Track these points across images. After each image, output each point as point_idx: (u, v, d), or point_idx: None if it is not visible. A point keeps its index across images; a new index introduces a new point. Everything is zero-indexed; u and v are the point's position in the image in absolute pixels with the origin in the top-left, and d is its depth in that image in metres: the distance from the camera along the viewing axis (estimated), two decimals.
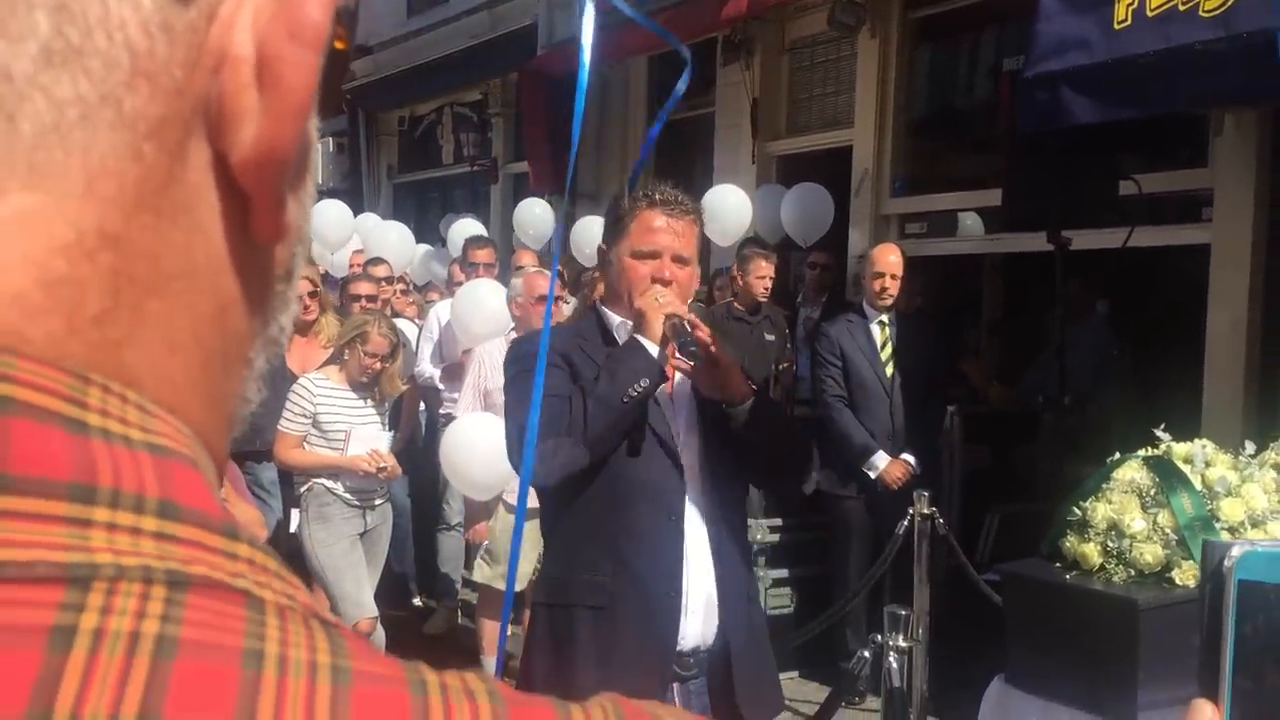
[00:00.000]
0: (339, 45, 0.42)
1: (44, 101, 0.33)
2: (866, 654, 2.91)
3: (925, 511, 4.19)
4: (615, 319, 2.66)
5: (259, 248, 0.40)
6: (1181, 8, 3.78)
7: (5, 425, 0.32)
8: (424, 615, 6.50)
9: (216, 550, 0.34)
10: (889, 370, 5.45)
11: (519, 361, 2.57)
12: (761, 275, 6.32)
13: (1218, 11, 3.67)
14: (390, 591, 5.73)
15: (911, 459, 5.33)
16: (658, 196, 2.66)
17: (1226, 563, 0.64)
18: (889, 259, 5.48)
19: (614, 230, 2.66)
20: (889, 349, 5.49)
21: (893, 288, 5.44)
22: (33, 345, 0.33)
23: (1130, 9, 3.94)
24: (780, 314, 6.77)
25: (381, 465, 4.68)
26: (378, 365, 4.77)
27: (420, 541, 6.59)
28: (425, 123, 13.90)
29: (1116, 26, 3.98)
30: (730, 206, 7.54)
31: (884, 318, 5.51)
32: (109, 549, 0.32)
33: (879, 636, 2.86)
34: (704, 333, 2.46)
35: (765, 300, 6.39)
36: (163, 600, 0.32)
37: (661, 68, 9.89)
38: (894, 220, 7.47)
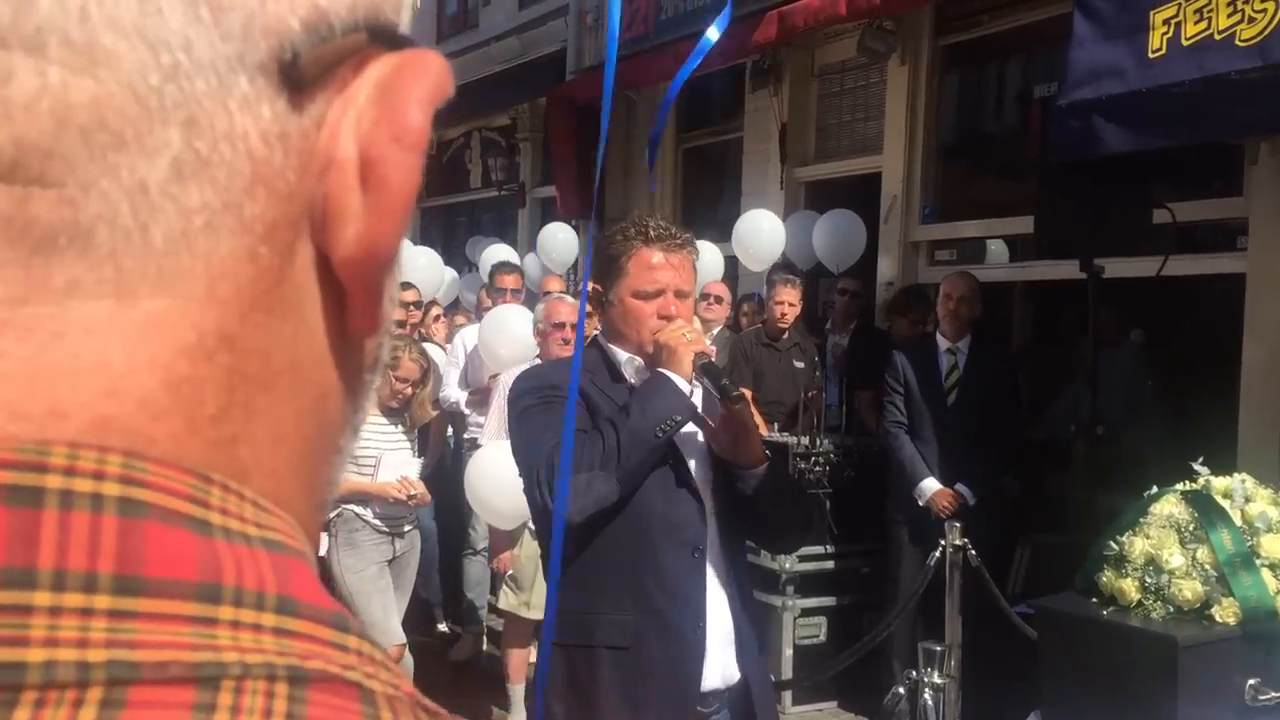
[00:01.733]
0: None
1: (174, 211, 0.35)
2: (902, 690, 2.87)
3: (957, 543, 4.14)
4: (622, 355, 2.62)
5: (353, 341, 0.42)
6: (1217, 37, 3.76)
7: (140, 529, 0.33)
8: (450, 642, 6.48)
9: (330, 643, 0.35)
10: (950, 399, 5.47)
11: (524, 397, 2.55)
12: (780, 301, 6.32)
13: (1255, 40, 3.64)
14: (416, 618, 5.71)
15: (965, 489, 5.33)
16: (652, 232, 2.59)
17: None
18: (962, 287, 5.61)
19: (610, 270, 2.59)
20: (954, 378, 5.52)
21: (962, 311, 5.56)
22: (157, 445, 0.35)
23: (1165, 38, 3.91)
24: (810, 341, 6.75)
25: (411, 493, 4.68)
26: (408, 391, 4.77)
27: (446, 567, 6.58)
28: (454, 147, 13.99)
29: (1151, 55, 3.96)
30: (763, 232, 7.53)
31: (955, 346, 5.55)
32: (234, 647, 0.33)
33: (914, 673, 2.83)
34: (746, 391, 2.52)
35: (786, 326, 6.37)
36: (286, 697, 0.33)
37: (691, 92, 9.91)
38: (923, 247, 7.44)
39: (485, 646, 6.36)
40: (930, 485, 5.32)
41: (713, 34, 2.98)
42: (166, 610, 0.32)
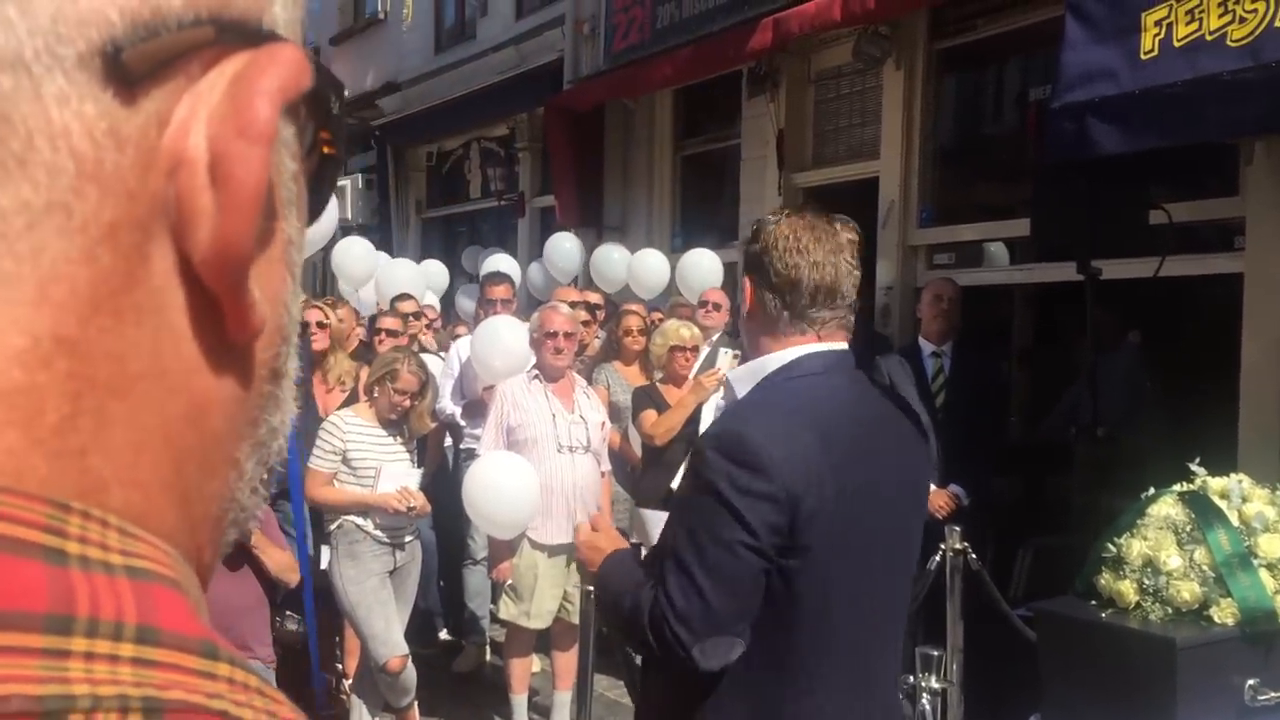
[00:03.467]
0: (328, 150, 0.43)
1: None
2: (900, 695, 2.86)
3: (957, 546, 4.14)
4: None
5: (236, 347, 0.40)
6: (1209, 37, 3.76)
7: None
8: (453, 652, 6.48)
9: (194, 671, 0.34)
10: (939, 402, 5.48)
11: (724, 481, 1.85)
12: None
13: (1246, 40, 3.65)
14: (418, 629, 5.71)
15: (960, 490, 5.34)
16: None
17: None
18: (947, 290, 5.68)
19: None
20: (940, 380, 5.53)
21: (953, 314, 5.64)
22: None
23: (1157, 39, 3.92)
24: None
25: (410, 504, 4.68)
26: (407, 403, 4.77)
27: (446, 577, 6.57)
28: (453, 158, 14.02)
29: (1143, 57, 3.96)
30: None
31: (939, 349, 5.57)
32: (86, 679, 0.32)
33: (911, 678, 2.82)
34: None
35: None
36: None
37: (687, 101, 9.93)
38: (922, 251, 7.45)
39: (489, 657, 6.36)
40: None
41: None
42: (10, 643, 0.31)
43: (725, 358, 5.43)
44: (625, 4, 9.75)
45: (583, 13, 10.42)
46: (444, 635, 6.68)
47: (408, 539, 4.85)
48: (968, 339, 5.82)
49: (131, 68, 0.36)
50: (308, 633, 4.92)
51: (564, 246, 9.46)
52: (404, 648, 4.71)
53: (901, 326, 7.18)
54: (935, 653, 2.82)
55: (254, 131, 0.37)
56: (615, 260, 8.56)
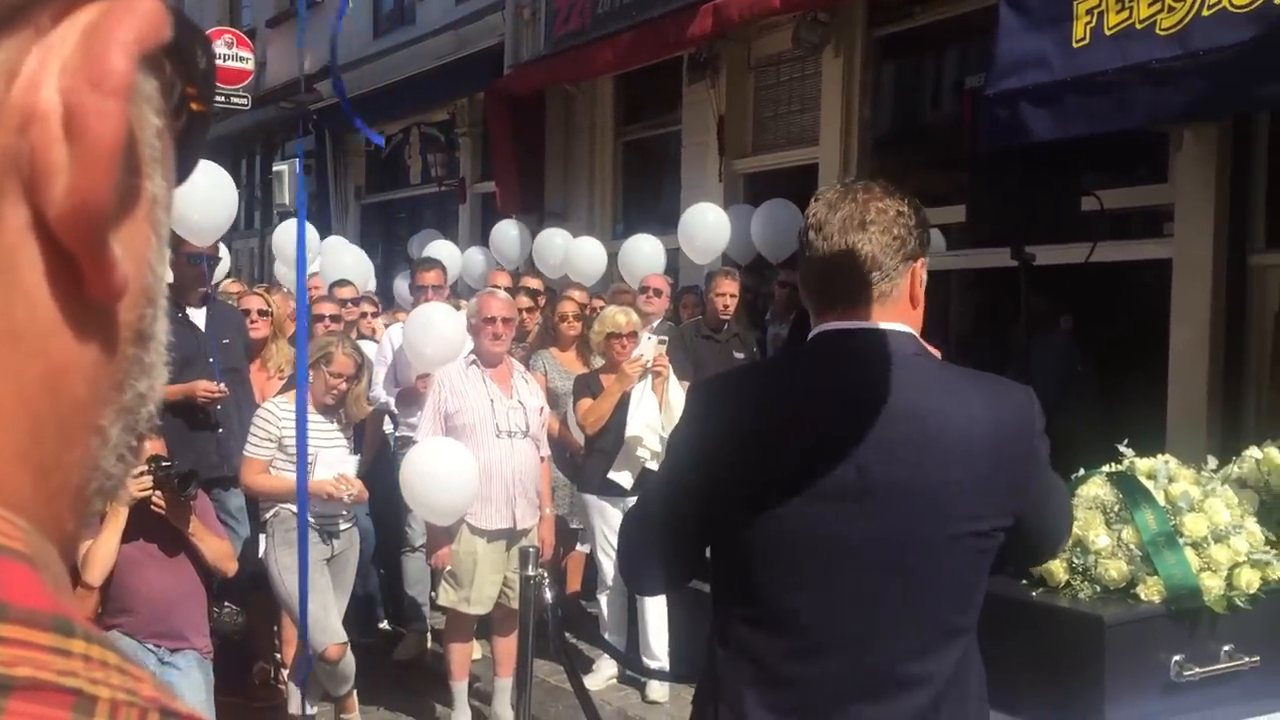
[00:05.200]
0: (196, 107, 0.41)
1: None
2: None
3: None
4: None
5: (97, 309, 0.39)
6: (1139, 26, 3.83)
7: None
8: (393, 641, 6.44)
9: (46, 648, 0.33)
10: None
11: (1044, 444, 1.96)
12: (722, 293, 6.35)
13: (1175, 29, 3.72)
14: (357, 617, 5.66)
15: None
16: None
17: None
18: None
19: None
20: None
21: None
22: None
23: (1089, 27, 3.98)
24: (749, 332, 6.78)
25: (349, 491, 4.64)
26: (343, 385, 4.73)
27: (385, 565, 6.53)
28: (392, 143, 13.88)
29: (1075, 44, 4.03)
30: (708, 225, 7.56)
31: None
32: None
33: None
34: None
35: (728, 318, 6.40)
36: None
37: (628, 87, 9.92)
38: None
39: (430, 644, 6.33)
40: None
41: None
42: None
43: (649, 345, 5.37)
44: None
45: None
46: (384, 624, 6.64)
47: (344, 526, 4.80)
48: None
49: None
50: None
51: (509, 233, 9.42)
52: (342, 635, 4.67)
53: None
54: None
55: (110, 83, 0.36)
56: (558, 246, 8.54)
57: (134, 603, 4.04)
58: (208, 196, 5.39)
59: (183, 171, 0.42)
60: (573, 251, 8.22)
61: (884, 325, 1.92)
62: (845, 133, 7.44)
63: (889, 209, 1.92)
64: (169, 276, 0.43)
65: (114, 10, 0.37)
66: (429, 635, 6.33)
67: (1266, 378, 5.08)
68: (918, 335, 1.95)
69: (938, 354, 2.13)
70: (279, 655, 5.51)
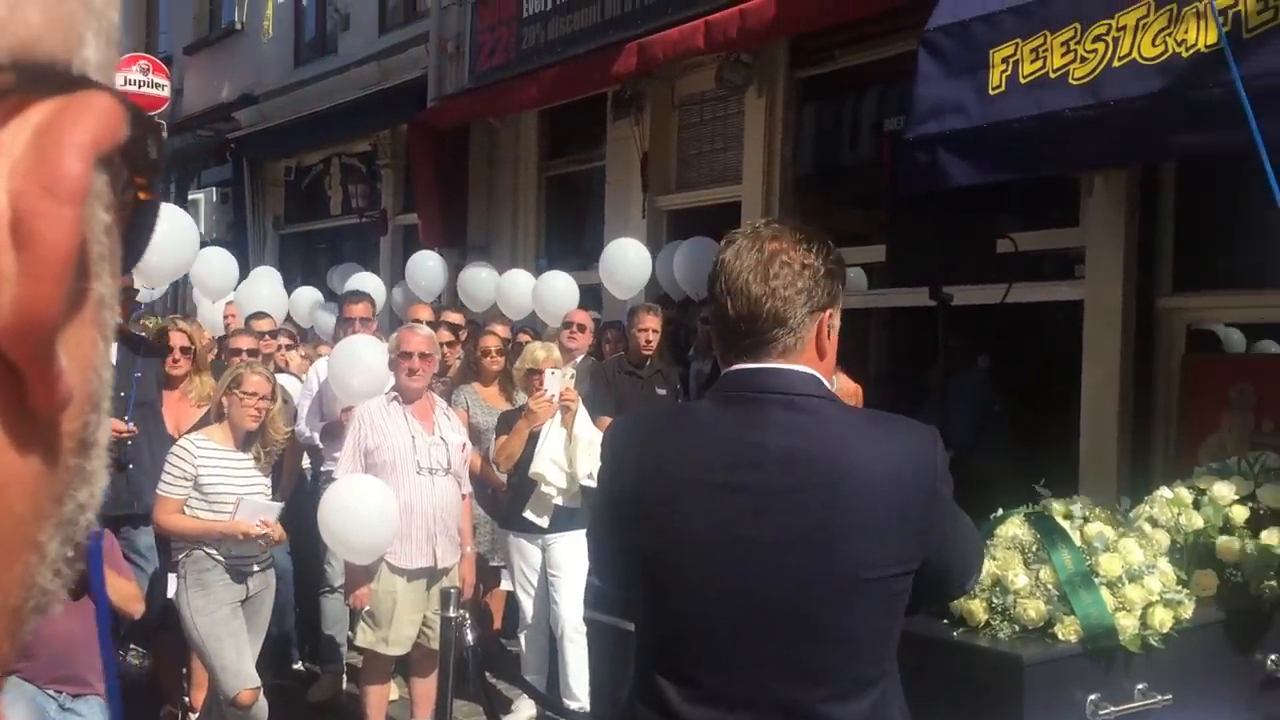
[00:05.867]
0: (144, 196, 0.40)
1: None
2: None
3: None
4: None
5: (40, 420, 0.36)
6: (1052, 75, 3.93)
7: None
8: (308, 682, 6.29)
9: None
10: None
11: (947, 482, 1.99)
12: (644, 328, 6.36)
13: (1087, 80, 3.82)
14: (271, 658, 5.53)
15: None
16: None
17: None
18: None
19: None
20: None
21: None
22: None
23: (1004, 75, 4.08)
24: (672, 368, 6.80)
25: (265, 531, 4.53)
26: (260, 404, 4.60)
27: (302, 604, 6.39)
28: (312, 173, 13.73)
29: (991, 92, 4.12)
30: (629, 260, 7.59)
31: None
32: None
33: None
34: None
35: (650, 353, 6.42)
36: None
37: (553, 122, 9.94)
38: None
39: (345, 685, 6.19)
40: None
41: None
42: None
43: (555, 380, 5.29)
44: (490, 24, 9.72)
45: (447, 31, 10.34)
46: (298, 665, 6.49)
47: (256, 568, 4.68)
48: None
49: None
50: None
51: (427, 265, 9.35)
52: (255, 680, 4.55)
53: None
54: None
55: (64, 189, 0.34)
56: (483, 280, 8.50)
57: (33, 646, 3.89)
58: (166, 240, 5.29)
59: (129, 262, 0.40)
60: (504, 285, 8.19)
61: (789, 367, 1.91)
62: (767, 171, 7.52)
63: (795, 261, 1.90)
64: (111, 378, 0.41)
65: (68, 109, 0.35)
66: (344, 676, 6.21)
67: (1174, 418, 5.23)
68: (824, 380, 1.95)
69: (857, 388, 2.16)
70: (187, 699, 5.35)
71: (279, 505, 4.75)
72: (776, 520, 1.85)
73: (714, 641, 1.90)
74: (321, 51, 13.28)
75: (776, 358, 1.91)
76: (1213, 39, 3.50)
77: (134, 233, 0.39)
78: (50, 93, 0.35)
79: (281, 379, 6.05)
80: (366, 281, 8.98)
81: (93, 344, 0.38)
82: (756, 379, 1.92)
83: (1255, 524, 3.19)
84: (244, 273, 9.14)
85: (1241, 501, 3.24)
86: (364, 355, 5.58)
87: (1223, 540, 3.13)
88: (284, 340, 7.24)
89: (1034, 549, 2.92)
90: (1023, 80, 4.03)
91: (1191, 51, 3.53)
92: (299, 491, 6.04)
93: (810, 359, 1.93)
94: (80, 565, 0.40)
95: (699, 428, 1.98)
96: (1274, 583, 3.10)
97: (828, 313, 1.95)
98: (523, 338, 6.71)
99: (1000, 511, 3.11)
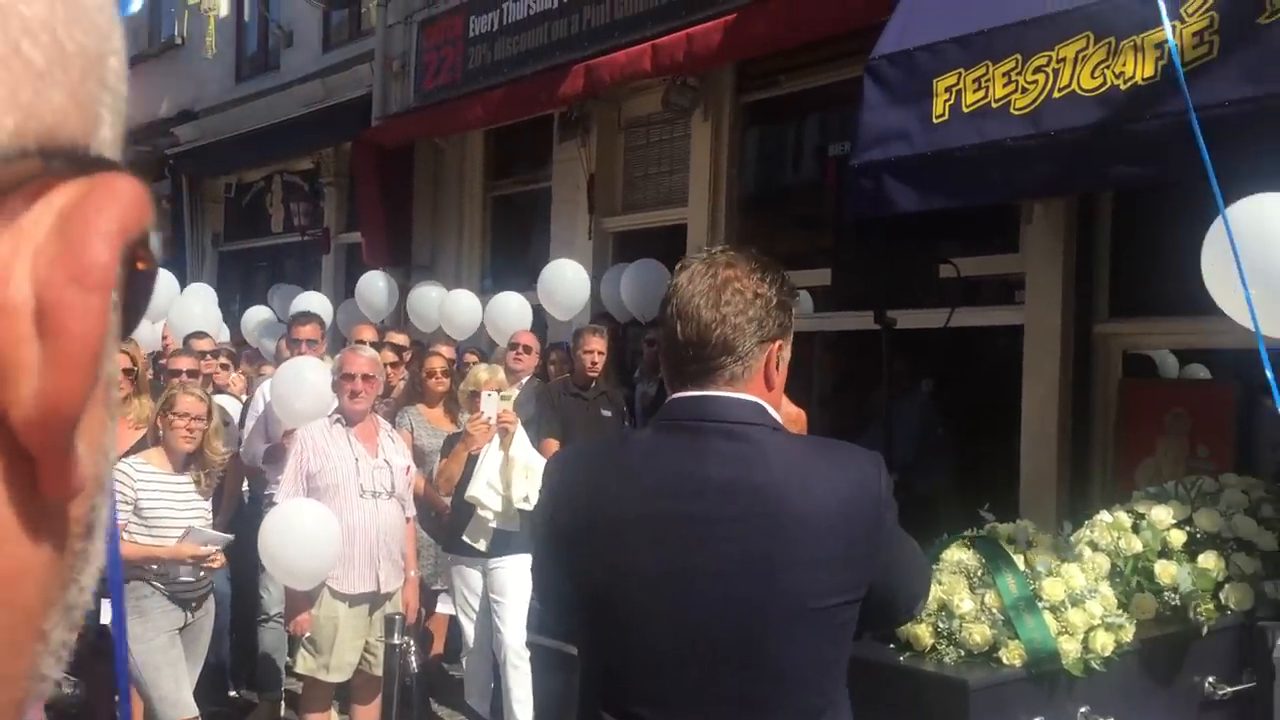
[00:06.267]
0: (141, 266, 0.39)
1: None
2: None
3: None
4: None
5: (51, 507, 0.35)
6: (994, 105, 4.00)
7: None
8: (244, 710, 6.18)
9: None
10: None
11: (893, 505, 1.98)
12: (590, 350, 6.35)
13: (1028, 110, 3.89)
14: (207, 685, 5.42)
15: None
16: None
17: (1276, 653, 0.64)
18: None
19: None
20: None
21: None
22: None
23: (947, 104, 4.14)
24: (618, 390, 6.79)
25: (209, 563, 4.46)
26: (193, 426, 4.53)
27: (239, 630, 6.28)
28: (253, 190, 13.58)
29: (935, 120, 4.18)
30: (568, 281, 7.59)
31: None
32: None
33: None
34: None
35: (595, 375, 6.41)
36: None
37: (499, 142, 9.93)
38: None
39: (284, 712, 6.09)
40: None
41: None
42: None
43: (491, 402, 5.26)
44: (436, 43, 9.69)
45: (392, 50, 10.30)
46: (234, 693, 6.37)
47: (191, 596, 4.59)
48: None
49: None
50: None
51: (377, 285, 9.29)
52: (193, 709, 4.47)
53: None
54: None
55: (92, 279, 0.33)
56: (432, 299, 8.45)
57: None
58: None
59: (127, 329, 0.39)
60: (448, 305, 8.15)
61: (734, 396, 1.90)
62: (713, 194, 7.57)
63: (747, 289, 1.89)
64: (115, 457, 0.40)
65: (93, 194, 0.34)
66: (282, 703, 6.10)
67: (1111, 441, 5.32)
68: (770, 410, 1.93)
69: (800, 413, 2.16)
70: None
71: (229, 537, 4.68)
72: (719, 550, 1.84)
73: (658, 674, 1.89)
74: (264, 68, 13.16)
75: (723, 385, 1.90)
76: (1149, 72, 3.58)
77: (133, 302, 0.38)
78: (72, 174, 0.34)
79: (220, 399, 5.97)
80: (310, 301, 8.89)
81: (102, 426, 0.37)
82: (700, 407, 1.91)
83: (1192, 548, 3.25)
84: (183, 291, 9.02)
85: (1179, 525, 3.30)
86: (307, 377, 5.52)
87: (1161, 564, 3.19)
88: (223, 360, 7.14)
89: (979, 574, 2.94)
90: (965, 109, 4.09)
91: (1129, 84, 3.61)
92: (237, 516, 5.94)
93: (758, 389, 1.92)
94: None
95: (641, 457, 1.96)
96: (1210, 606, 3.16)
97: (777, 343, 1.93)
98: (469, 358, 6.68)
99: (945, 536, 3.14)
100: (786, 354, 1.97)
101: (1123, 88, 3.64)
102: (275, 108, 11.96)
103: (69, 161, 0.34)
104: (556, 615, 2.10)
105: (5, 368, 0.33)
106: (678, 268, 1.98)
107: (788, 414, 2.08)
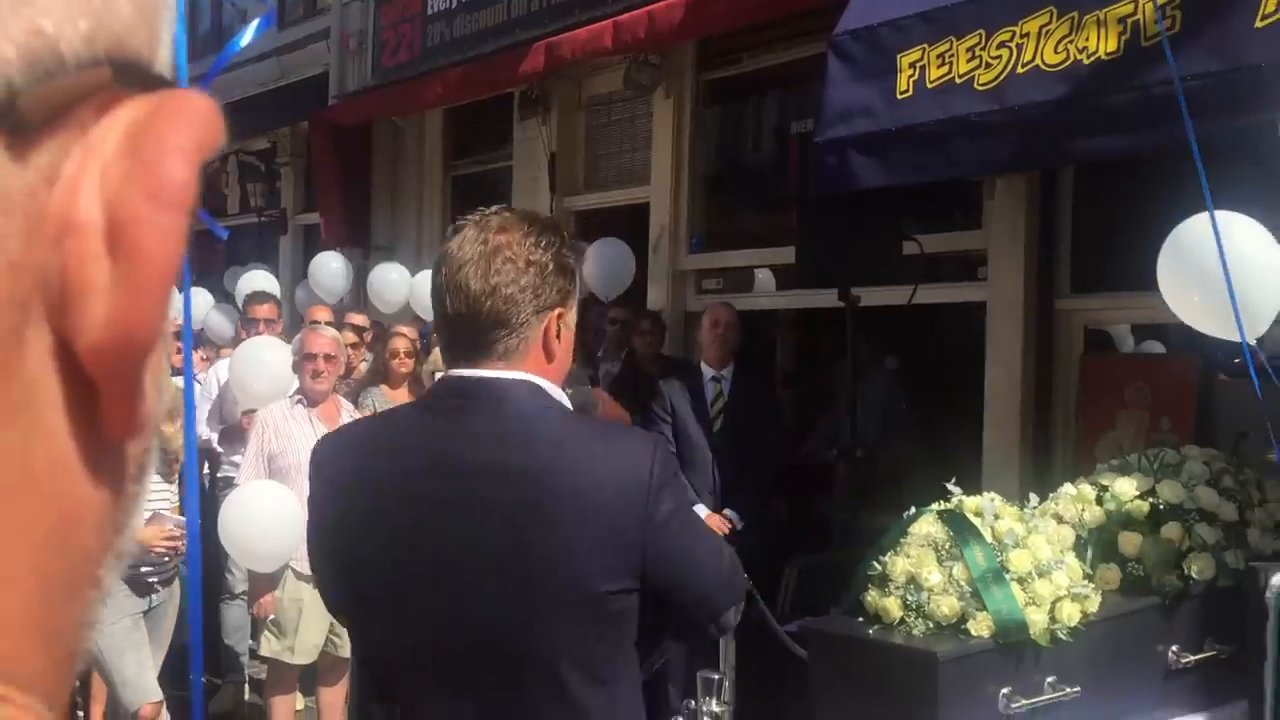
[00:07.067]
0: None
1: None
2: (681, 719, 2.91)
3: None
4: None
5: (111, 446, 0.34)
6: (958, 81, 4.00)
7: None
8: (208, 693, 6.12)
9: None
10: (717, 426, 5.59)
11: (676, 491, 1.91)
12: None
13: (991, 85, 3.90)
14: (171, 669, 5.37)
15: (734, 514, 5.45)
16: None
17: (1269, 594, 0.64)
18: (725, 315, 5.80)
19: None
20: (719, 404, 5.65)
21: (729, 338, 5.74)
22: None
23: (911, 80, 4.14)
24: (582, 369, 6.77)
25: (174, 544, 4.41)
26: None
27: (203, 613, 6.22)
28: (208, 170, 13.37)
29: (899, 96, 4.18)
30: None
31: (720, 373, 5.69)
32: None
33: (692, 703, 2.85)
34: None
35: None
36: None
37: (459, 121, 9.84)
38: (691, 276, 7.61)
39: (248, 696, 6.05)
40: (700, 511, 5.42)
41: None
42: None
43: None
44: (394, 20, 9.58)
45: (349, 27, 10.17)
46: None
47: (157, 578, 4.55)
48: (746, 363, 5.99)
49: (27, 115, 0.30)
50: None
51: (330, 266, 9.19)
52: (158, 694, 4.43)
53: (672, 350, 7.31)
54: (715, 676, 2.86)
55: (170, 196, 0.31)
56: (394, 281, 8.37)
57: None
58: None
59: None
60: (417, 286, 8.08)
61: (507, 375, 1.80)
62: (676, 173, 7.54)
63: (519, 257, 1.79)
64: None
65: (164, 109, 0.32)
66: (247, 686, 6.06)
67: (1073, 416, 5.36)
68: (548, 387, 1.84)
69: (623, 414, 2.11)
70: (81, 713, 5.17)
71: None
72: (479, 536, 1.76)
73: (423, 664, 1.81)
74: (218, 46, 12.95)
75: (496, 361, 1.80)
76: (1112, 47, 3.59)
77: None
78: (140, 90, 0.32)
79: (177, 381, 5.89)
80: (260, 281, 8.78)
81: (161, 362, 0.35)
82: (467, 386, 1.81)
83: (1155, 519, 3.29)
84: None
85: (1142, 497, 3.33)
86: (266, 357, 5.47)
87: (1125, 535, 3.22)
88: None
89: (947, 546, 2.96)
90: (929, 85, 4.09)
91: (1092, 59, 3.62)
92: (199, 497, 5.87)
93: (535, 363, 1.83)
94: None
95: (403, 440, 1.87)
96: (1174, 576, 3.20)
97: (556, 311, 1.83)
98: (434, 339, 6.63)
99: (913, 510, 3.15)
100: (571, 319, 1.89)
101: (1086, 63, 3.65)
102: (231, 87, 11.79)
103: (136, 77, 0.32)
104: (335, 606, 1.99)
105: (73, 290, 0.31)
106: (450, 230, 1.89)
107: (613, 414, 2.05)
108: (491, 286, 1.77)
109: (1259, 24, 3.23)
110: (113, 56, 0.32)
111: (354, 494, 1.85)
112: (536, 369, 1.82)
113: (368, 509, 1.83)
